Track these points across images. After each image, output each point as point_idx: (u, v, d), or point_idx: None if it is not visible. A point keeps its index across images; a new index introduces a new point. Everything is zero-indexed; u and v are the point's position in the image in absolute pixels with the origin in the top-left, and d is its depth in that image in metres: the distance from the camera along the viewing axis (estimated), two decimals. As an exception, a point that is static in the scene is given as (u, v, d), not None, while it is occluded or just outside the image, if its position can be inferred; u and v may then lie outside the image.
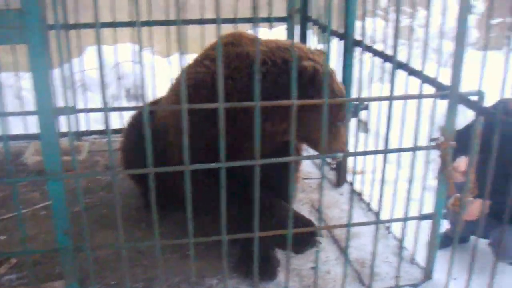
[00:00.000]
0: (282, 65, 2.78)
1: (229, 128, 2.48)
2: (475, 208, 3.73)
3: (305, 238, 2.80)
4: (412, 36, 8.26)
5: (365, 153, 2.99)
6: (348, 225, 2.57)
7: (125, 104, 6.63)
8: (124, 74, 6.58)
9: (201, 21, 4.80)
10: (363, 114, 3.97)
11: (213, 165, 2.26)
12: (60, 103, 2.65)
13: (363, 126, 4.09)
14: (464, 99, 2.62)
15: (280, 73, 2.77)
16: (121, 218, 3.43)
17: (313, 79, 2.70)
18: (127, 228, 3.43)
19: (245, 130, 2.72)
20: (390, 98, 2.54)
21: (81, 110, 3.33)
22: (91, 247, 2.42)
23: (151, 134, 3.16)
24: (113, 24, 4.72)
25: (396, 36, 2.59)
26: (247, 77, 2.81)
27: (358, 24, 3.71)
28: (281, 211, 2.86)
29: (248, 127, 2.42)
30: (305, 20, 4.53)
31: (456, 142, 2.74)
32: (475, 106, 2.54)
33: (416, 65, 2.95)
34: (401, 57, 3.10)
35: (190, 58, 4.98)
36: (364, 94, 4.25)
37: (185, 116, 2.12)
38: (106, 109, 2.20)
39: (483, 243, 4.41)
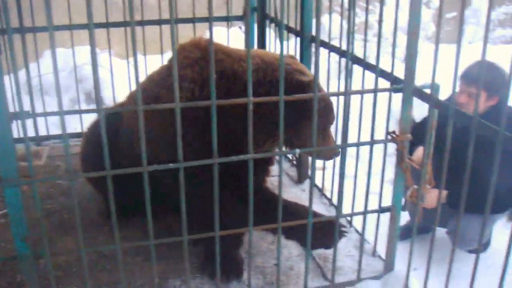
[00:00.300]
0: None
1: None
2: (432, 197, 3.81)
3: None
4: (368, 31, 8.41)
5: (324, 148, 3.03)
6: (309, 220, 2.60)
7: (85, 107, 6.55)
8: (84, 77, 6.52)
9: (159, 22, 4.76)
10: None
11: (171, 165, 2.26)
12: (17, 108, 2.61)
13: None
14: (418, 92, 2.66)
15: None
16: (83, 223, 3.41)
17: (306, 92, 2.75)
18: (90, 233, 3.40)
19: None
20: (346, 93, 2.57)
21: (36, 115, 3.25)
22: (51, 253, 2.40)
23: (117, 137, 3.16)
24: (69, 27, 4.66)
25: (350, 32, 2.62)
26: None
27: (315, 21, 3.74)
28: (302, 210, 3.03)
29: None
30: (263, 18, 4.55)
31: (413, 135, 2.79)
32: (429, 99, 2.58)
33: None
34: (359, 52, 3.14)
35: (150, 59, 5.00)
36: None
37: (141, 119, 2.12)
38: (61, 113, 2.17)
39: (443, 232, 4.50)
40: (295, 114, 2.76)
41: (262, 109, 2.73)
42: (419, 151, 3.74)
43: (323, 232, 2.91)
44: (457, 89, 3.89)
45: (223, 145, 2.45)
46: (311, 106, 2.43)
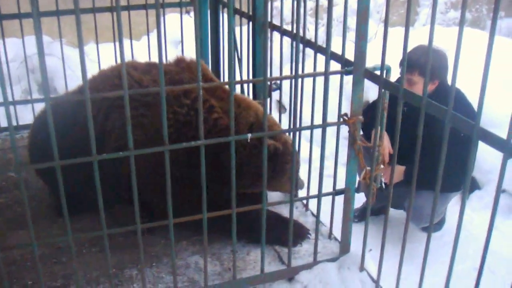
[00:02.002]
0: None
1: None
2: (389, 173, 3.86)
3: (298, 233, 3.19)
4: (323, 15, 8.43)
5: (278, 132, 3.03)
6: (263, 205, 2.60)
7: (38, 97, 6.41)
8: (36, 68, 6.37)
9: (110, 9, 4.68)
10: (277, 94, 4.00)
11: (120, 153, 2.24)
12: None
13: (280, 106, 4.12)
14: (369, 74, 2.67)
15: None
16: (37, 216, 3.37)
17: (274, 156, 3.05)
18: (44, 226, 3.35)
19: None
20: (296, 77, 2.57)
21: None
22: (2, 248, 2.35)
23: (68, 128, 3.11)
24: (17, 15, 4.55)
25: (299, 15, 2.61)
26: None
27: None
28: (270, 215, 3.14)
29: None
30: (216, 3, 4.51)
31: (367, 117, 2.81)
32: (379, 80, 2.59)
33: (333, 43, 2.96)
34: (314, 36, 3.13)
35: (103, 47, 4.92)
36: (276, 75, 4.28)
37: (88, 108, 2.08)
38: (6, 103, 2.10)
39: (399, 213, 4.57)
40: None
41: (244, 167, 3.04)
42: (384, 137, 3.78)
43: (285, 230, 2.92)
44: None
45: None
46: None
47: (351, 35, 7.17)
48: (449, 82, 3.83)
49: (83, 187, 3.02)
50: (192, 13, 5.28)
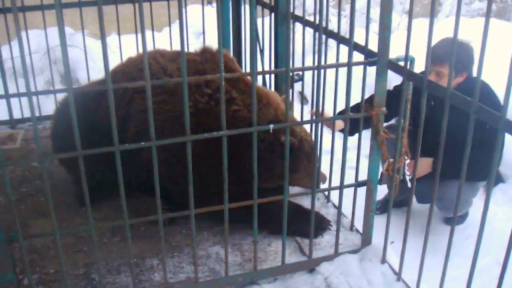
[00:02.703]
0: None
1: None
2: (419, 166, 3.82)
3: (320, 225, 3.18)
4: (345, 6, 8.36)
5: (300, 123, 3.02)
6: (285, 196, 2.59)
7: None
8: (58, 59, 6.42)
9: (132, 0, 4.69)
10: (300, 85, 3.97)
11: (143, 144, 2.25)
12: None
13: (302, 97, 4.10)
14: (392, 65, 2.64)
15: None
16: (60, 205, 3.40)
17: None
18: (67, 215, 3.38)
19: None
20: (319, 68, 2.55)
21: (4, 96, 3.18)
22: (27, 237, 2.37)
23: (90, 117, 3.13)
24: (40, 7, 4.58)
25: (323, 5, 2.59)
26: None
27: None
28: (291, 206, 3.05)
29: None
30: (238, -6, 4.49)
31: (386, 103, 2.77)
32: (403, 71, 2.56)
33: (356, 34, 2.93)
34: (336, 27, 3.09)
35: (124, 38, 4.93)
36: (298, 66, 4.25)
37: (111, 99, 2.09)
38: (29, 94, 2.11)
39: (423, 206, 4.52)
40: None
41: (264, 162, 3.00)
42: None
43: (306, 221, 2.91)
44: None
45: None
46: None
47: (374, 27, 7.13)
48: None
49: (104, 175, 3.04)
50: (214, 4, 5.26)
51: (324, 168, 3.50)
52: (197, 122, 2.97)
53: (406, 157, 2.82)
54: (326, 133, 3.93)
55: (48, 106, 5.21)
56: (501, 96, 2.60)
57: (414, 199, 3.45)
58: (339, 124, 3.71)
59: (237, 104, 3.09)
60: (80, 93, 3.11)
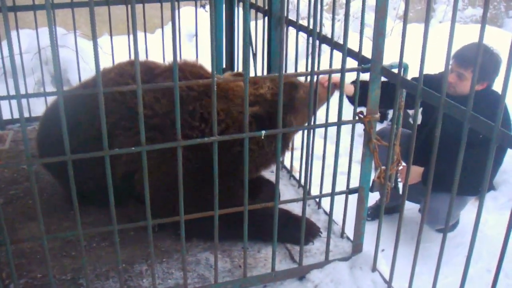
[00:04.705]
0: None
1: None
2: (411, 173, 3.79)
3: (309, 232, 3.13)
4: (340, 10, 8.36)
5: (292, 129, 3.00)
6: (275, 203, 2.57)
7: (51, 90, 6.41)
8: (50, 59, 6.37)
9: (125, 1, 4.65)
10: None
11: (133, 149, 2.22)
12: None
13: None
14: (386, 72, 2.62)
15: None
16: (48, 208, 3.36)
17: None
18: (55, 218, 3.34)
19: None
20: (312, 73, 2.53)
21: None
22: (13, 241, 2.33)
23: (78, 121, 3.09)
24: (32, 7, 4.54)
25: (317, 10, 2.57)
26: None
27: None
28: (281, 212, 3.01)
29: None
30: (231, -3, 4.47)
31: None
32: (397, 78, 2.54)
33: (350, 39, 2.91)
34: (330, 31, 3.07)
35: (117, 39, 4.89)
36: (291, 71, 4.24)
37: (101, 103, 2.06)
38: (18, 97, 2.08)
39: (413, 212, 4.51)
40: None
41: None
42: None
43: (296, 228, 2.89)
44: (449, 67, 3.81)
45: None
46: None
47: (368, 31, 7.12)
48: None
49: (92, 181, 3.02)
50: (207, 7, 5.24)
51: (316, 174, 3.48)
52: (190, 154, 2.97)
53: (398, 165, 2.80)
54: (318, 137, 3.92)
55: (39, 107, 5.15)
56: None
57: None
58: (349, 89, 3.58)
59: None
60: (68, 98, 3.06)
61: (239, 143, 2.85)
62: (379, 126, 4.71)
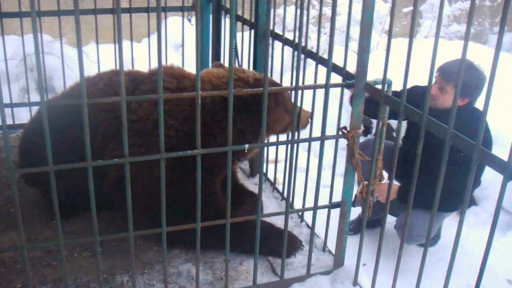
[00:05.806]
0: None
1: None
2: (383, 190, 3.80)
3: (291, 245, 3.12)
4: (326, 24, 8.41)
5: (275, 143, 3.00)
6: (258, 216, 2.57)
7: (36, 96, 6.36)
8: (35, 66, 6.32)
9: (112, 11, 4.66)
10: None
11: (116, 160, 2.22)
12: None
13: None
14: (370, 88, 2.64)
15: None
16: (29, 217, 3.34)
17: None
18: (36, 227, 3.32)
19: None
20: (296, 88, 2.54)
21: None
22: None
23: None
24: (18, 14, 4.52)
25: (302, 25, 2.58)
26: None
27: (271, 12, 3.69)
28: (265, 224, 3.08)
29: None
30: (218, 9, 4.48)
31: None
32: (380, 94, 2.56)
33: (335, 53, 2.91)
34: (316, 45, 3.09)
35: (103, 48, 4.89)
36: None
37: (85, 112, 2.06)
38: (1, 105, 2.07)
39: (393, 227, 4.53)
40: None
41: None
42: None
43: (278, 241, 2.90)
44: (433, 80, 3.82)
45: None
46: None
47: (353, 45, 7.16)
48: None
49: (74, 192, 3.00)
50: (193, 21, 5.24)
51: (299, 187, 3.49)
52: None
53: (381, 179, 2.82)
54: (302, 150, 3.94)
55: (23, 114, 5.12)
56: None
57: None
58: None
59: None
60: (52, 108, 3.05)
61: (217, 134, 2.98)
62: (362, 138, 4.76)
